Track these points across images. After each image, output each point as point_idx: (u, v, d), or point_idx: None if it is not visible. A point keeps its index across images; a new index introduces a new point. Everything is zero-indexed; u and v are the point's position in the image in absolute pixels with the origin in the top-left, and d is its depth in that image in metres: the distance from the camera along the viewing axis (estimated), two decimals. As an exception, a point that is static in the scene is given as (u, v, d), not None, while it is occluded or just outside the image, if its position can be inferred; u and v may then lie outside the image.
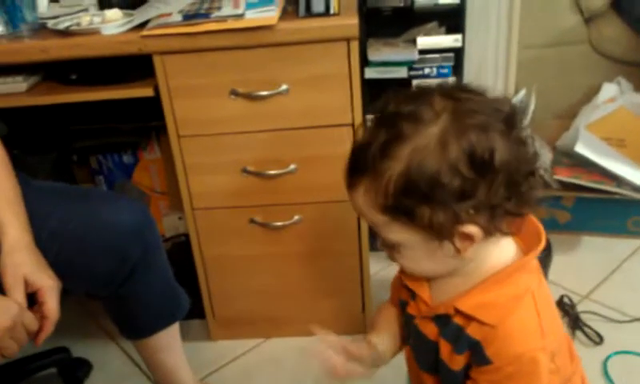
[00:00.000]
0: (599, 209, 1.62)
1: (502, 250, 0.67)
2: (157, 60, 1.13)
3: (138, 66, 1.18)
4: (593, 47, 1.65)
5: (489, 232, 0.61)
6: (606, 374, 1.26)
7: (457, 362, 0.66)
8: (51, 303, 0.81)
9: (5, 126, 1.28)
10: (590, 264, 1.60)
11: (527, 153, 0.61)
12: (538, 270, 0.68)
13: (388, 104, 0.62)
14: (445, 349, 0.67)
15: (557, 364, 0.66)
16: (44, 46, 1.12)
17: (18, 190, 0.89)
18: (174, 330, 1.13)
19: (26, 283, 0.80)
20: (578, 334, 1.37)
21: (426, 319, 0.70)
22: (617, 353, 1.31)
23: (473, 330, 0.64)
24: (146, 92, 1.16)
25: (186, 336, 1.15)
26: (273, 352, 1.43)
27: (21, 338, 0.78)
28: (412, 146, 0.58)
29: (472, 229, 0.60)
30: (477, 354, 0.64)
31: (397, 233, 0.63)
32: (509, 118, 0.60)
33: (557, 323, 0.67)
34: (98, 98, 1.16)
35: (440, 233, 0.60)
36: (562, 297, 1.46)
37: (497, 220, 0.61)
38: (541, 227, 0.67)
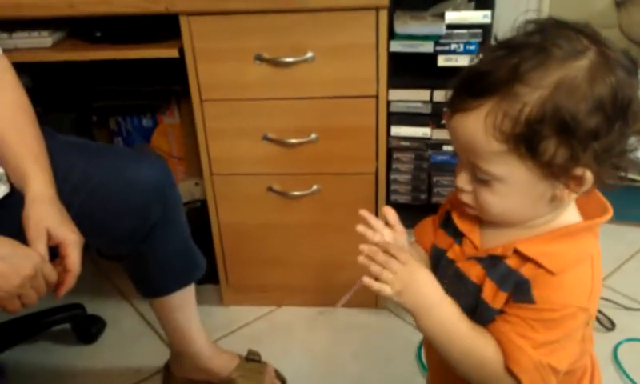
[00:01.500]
0: (617, 196, 1.60)
1: (570, 211, 0.66)
2: (183, 21, 1.12)
3: (163, 27, 1.17)
4: (622, 32, 1.62)
5: (598, 180, 0.60)
6: (616, 359, 1.26)
7: (499, 300, 0.66)
8: (73, 257, 0.81)
9: (29, 80, 1.28)
10: (605, 251, 1.55)
11: None
12: (598, 238, 0.68)
13: (514, 38, 0.60)
14: (489, 288, 0.67)
15: (586, 334, 0.66)
16: (71, 2, 1.12)
17: (43, 144, 0.89)
18: (190, 290, 1.14)
19: (49, 236, 0.80)
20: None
21: (472, 261, 0.69)
22: (628, 340, 1.31)
23: (526, 271, 0.64)
24: (171, 53, 1.15)
25: (199, 300, 1.16)
26: (284, 320, 1.44)
27: (40, 289, 0.78)
28: (560, 75, 0.57)
29: (586, 173, 0.59)
30: (521, 292, 0.64)
31: (505, 165, 0.60)
32: (636, 65, 0.60)
33: (599, 295, 0.67)
34: (123, 57, 1.15)
35: (555, 171, 0.59)
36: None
37: (607, 170, 0.60)
38: (606, 201, 0.67)
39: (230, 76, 1.18)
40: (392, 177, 1.43)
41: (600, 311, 1.37)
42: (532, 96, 0.57)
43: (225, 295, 1.47)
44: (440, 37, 1.28)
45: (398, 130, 1.38)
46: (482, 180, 0.63)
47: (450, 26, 1.28)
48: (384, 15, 1.10)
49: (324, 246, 1.37)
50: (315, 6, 1.09)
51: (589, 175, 0.59)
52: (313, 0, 1.08)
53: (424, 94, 1.34)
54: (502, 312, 0.66)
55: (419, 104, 1.35)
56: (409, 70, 1.35)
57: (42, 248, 0.79)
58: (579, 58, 0.57)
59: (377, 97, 1.18)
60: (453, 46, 1.30)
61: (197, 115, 1.23)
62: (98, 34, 1.18)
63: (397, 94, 1.34)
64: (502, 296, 0.65)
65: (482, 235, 0.70)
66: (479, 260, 0.69)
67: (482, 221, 0.70)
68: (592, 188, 0.62)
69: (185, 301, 1.13)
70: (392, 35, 1.28)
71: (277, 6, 1.08)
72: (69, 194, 0.89)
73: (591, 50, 0.58)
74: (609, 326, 1.35)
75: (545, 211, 0.64)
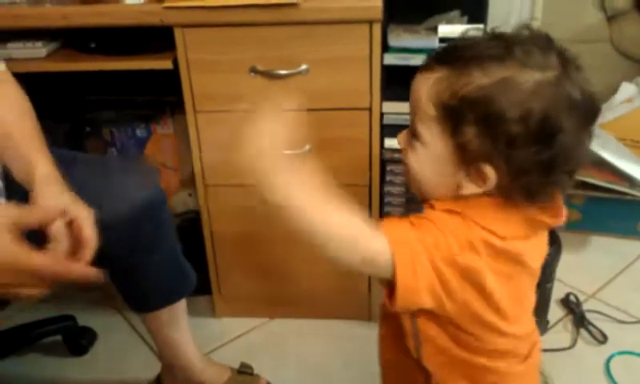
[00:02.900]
0: (610, 209, 1.62)
1: None
2: (177, 33, 1.13)
3: (157, 38, 1.18)
4: (614, 46, 1.64)
5: (500, 190, 0.63)
6: (608, 373, 1.26)
7: None
8: (89, 231, 0.79)
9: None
10: (598, 263, 1.60)
11: (583, 153, 0.62)
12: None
13: (501, 32, 0.63)
14: None
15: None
16: (65, 13, 1.12)
17: (42, 135, 0.90)
18: (181, 305, 1.13)
19: (63, 213, 0.79)
20: (583, 332, 1.38)
21: None
22: (620, 353, 1.31)
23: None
24: (165, 64, 1.15)
25: (190, 311, 1.16)
26: (277, 332, 1.44)
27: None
28: (509, 74, 0.59)
29: (491, 173, 0.61)
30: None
31: (430, 131, 0.64)
32: (592, 114, 0.62)
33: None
34: (117, 68, 1.15)
35: (466, 157, 0.62)
36: (567, 294, 1.46)
37: (515, 186, 0.62)
38: (562, 212, 0.66)
39: (223, 87, 1.18)
40: (385, 189, 1.43)
41: (592, 324, 1.38)
42: (478, 80, 0.59)
43: (217, 306, 1.46)
44: (433, 50, 1.29)
45: (391, 143, 1.38)
46: (413, 136, 0.66)
47: (443, 40, 1.29)
48: (377, 28, 1.11)
49: (316, 257, 1.36)
50: (309, 19, 1.10)
51: (492, 175, 0.62)
52: (307, 13, 1.08)
53: (417, 107, 1.34)
54: None
55: (413, 116, 1.36)
56: (402, 82, 1.36)
57: (58, 225, 0.77)
58: (536, 70, 0.59)
59: (370, 109, 1.19)
60: (446, 60, 1.31)
61: (190, 126, 1.23)
62: (93, 45, 1.18)
63: (390, 107, 1.34)
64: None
65: None
66: None
67: None
68: (496, 195, 0.63)
69: (175, 315, 1.13)
70: (386, 48, 1.29)
71: (270, 18, 1.09)
72: None
73: (553, 72, 0.59)
74: (601, 339, 1.35)
75: (446, 194, 0.66)
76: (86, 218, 0.80)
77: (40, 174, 0.83)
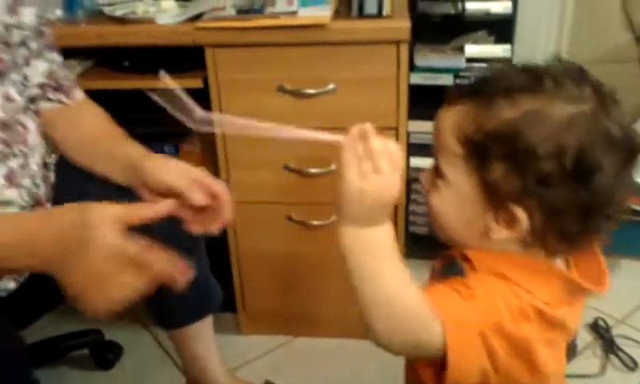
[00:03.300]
0: (637, 233, 1.58)
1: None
2: (208, 52, 1.15)
3: (187, 57, 1.20)
4: (642, 66, 1.62)
5: (534, 235, 0.57)
6: (640, 399, 1.23)
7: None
8: (218, 183, 0.81)
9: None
10: (628, 288, 1.56)
11: (624, 195, 0.58)
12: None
13: (548, 65, 0.59)
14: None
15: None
16: (100, 32, 1.15)
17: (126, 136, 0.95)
18: (207, 321, 1.14)
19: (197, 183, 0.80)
20: (612, 358, 1.34)
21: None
22: (651, 379, 1.28)
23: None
24: (196, 83, 1.17)
25: (215, 328, 1.16)
26: (301, 350, 1.43)
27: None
28: (539, 106, 0.55)
29: (522, 215, 0.56)
30: (452, 271, 0.62)
31: (456, 170, 0.59)
32: (633, 152, 0.57)
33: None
34: (150, 86, 1.16)
35: (494, 197, 0.57)
36: (596, 319, 1.43)
37: (550, 230, 0.57)
38: (605, 275, 0.61)
39: (252, 106, 1.20)
40: (410, 208, 1.43)
41: (622, 350, 1.35)
42: (505, 113, 0.55)
43: (242, 324, 1.47)
44: (460, 70, 1.30)
45: (416, 162, 1.38)
46: (436, 182, 0.62)
47: (470, 60, 1.30)
48: (405, 49, 1.11)
49: (342, 276, 1.36)
50: (336, 40, 1.11)
51: (523, 219, 0.56)
52: (334, 34, 1.10)
53: (443, 127, 1.34)
54: None
55: (438, 136, 1.36)
56: (428, 101, 1.36)
57: (181, 178, 0.79)
58: (569, 103, 0.55)
59: (397, 128, 1.19)
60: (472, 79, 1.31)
61: (219, 144, 1.25)
62: (126, 64, 1.21)
63: (416, 126, 1.35)
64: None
65: None
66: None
67: None
68: (535, 245, 0.58)
69: (202, 331, 1.13)
70: (412, 67, 1.30)
71: (299, 39, 1.11)
72: None
73: (587, 105, 0.55)
74: (631, 365, 1.32)
75: (473, 239, 0.61)
76: (211, 178, 0.81)
77: (142, 152, 0.87)
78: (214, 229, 0.82)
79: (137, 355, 1.43)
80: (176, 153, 1.59)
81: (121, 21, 1.17)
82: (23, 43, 0.88)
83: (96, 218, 0.63)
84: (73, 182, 0.93)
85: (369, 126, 0.60)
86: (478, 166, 0.57)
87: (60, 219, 0.66)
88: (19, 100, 0.88)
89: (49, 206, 0.91)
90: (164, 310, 1.10)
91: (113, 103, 1.48)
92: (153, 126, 1.56)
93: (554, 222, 0.57)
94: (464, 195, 0.59)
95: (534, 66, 0.59)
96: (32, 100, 0.92)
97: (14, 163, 0.85)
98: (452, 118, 0.59)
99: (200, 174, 0.82)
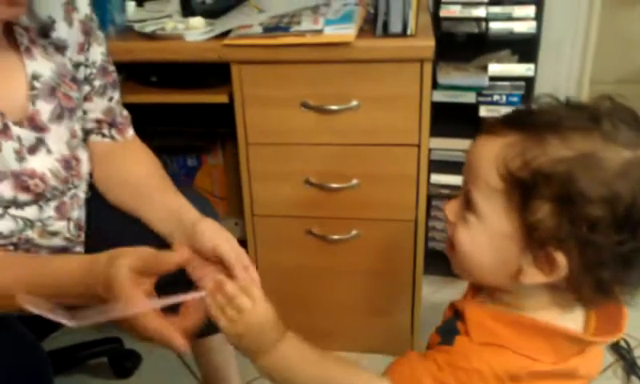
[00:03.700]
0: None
1: (552, 312, 0.59)
2: (234, 68, 1.17)
3: (213, 73, 1.23)
4: (667, 87, 1.61)
5: (569, 283, 0.54)
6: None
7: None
8: (254, 267, 0.80)
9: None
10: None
11: None
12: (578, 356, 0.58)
13: (599, 104, 0.55)
14: (434, 338, 0.65)
15: None
16: (130, 48, 1.18)
17: (173, 184, 0.93)
18: (228, 332, 1.15)
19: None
20: (634, 379, 1.32)
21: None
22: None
23: (461, 327, 0.61)
24: (221, 98, 1.20)
25: (234, 339, 1.17)
26: (318, 365, 1.43)
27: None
28: (594, 148, 0.52)
29: (562, 261, 0.53)
30: (447, 337, 0.61)
31: (492, 204, 0.56)
32: None
33: None
34: (177, 101, 1.20)
35: (534, 239, 0.54)
36: (618, 340, 1.41)
37: (587, 277, 0.54)
38: (622, 321, 0.59)
39: (276, 121, 1.21)
40: (430, 224, 1.43)
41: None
42: (556, 151, 0.52)
43: (260, 336, 1.47)
44: (483, 88, 1.30)
45: (437, 178, 1.39)
46: (465, 216, 0.58)
47: (493, 78, 1.30)
48: (428, 67, 1.12)
49: (361, 291, 1.37)
50: (361, 58, 1.12)
51: (563, 264, 0.53)
52: (358, 52, 1.11)
53: (465, 144, 1.35)
54: None
55: (460, 153, 1.37)
56: (450, 118, 1.37)
57: (233, 251, 0.78)
58: (625, 148, 0.52)
59: (419, 146, 1.20)
60: (495, 98, 1.32)
61: (242, 158, 1.27)
62: (154, 79, 1.24)
63: (438, 143, 1.36)
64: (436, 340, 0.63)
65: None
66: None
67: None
68: (567, 293, 0.56)
69: (222, 342, 1.14)
70: (435, 85, 1.30)
71: (324, 57, 1.12)
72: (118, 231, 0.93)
73: None
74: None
75: (503, 282, 0.58)
76: (249, 260, 0.80)
77: (194, 213, 0.84)
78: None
79: (155, 364, 1.44)
80: (199, 165, 1.62)
81: (150, 37, 1.20)
82: (87, 80, 0.91)
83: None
84: (106, 218, 0.93)
85: (221, 277, 0.64)
86: (520, 204, 0.54)
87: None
88: (80, 135, 0.90)
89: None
90: (185, 320, 1.11)
91: (139, 116, 1.53)
92: (177, 139, 1.60)
93: (592, 270, 0.54)
94: (499, 233, 0.56)
95: (584, 104, 0.56)
96: (87, 132, 0.94)
97: (66, 197, 0.87)
98: (493, 148, 0.55)
99: (243, 251, 0.81)
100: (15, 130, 0.79)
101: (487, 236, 0.57)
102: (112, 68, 0.96)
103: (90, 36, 0.90)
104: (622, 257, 0.53)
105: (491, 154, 0.55)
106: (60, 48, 0.86)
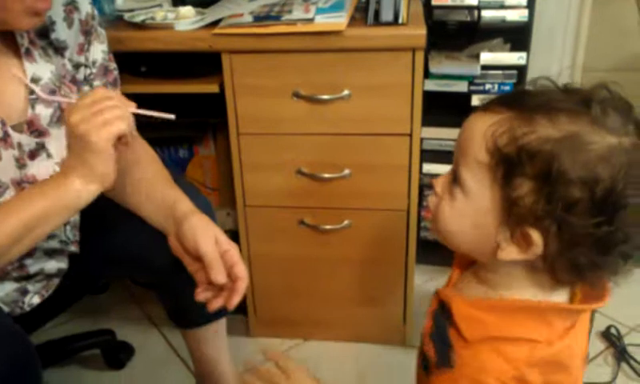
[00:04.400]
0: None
1: (539, 288, 0.60)
2: (225, 58, 1.16)
3: (203, 63, 1.21)
4: (659, 75, 1.61)
5: (544, 261, 0.56)
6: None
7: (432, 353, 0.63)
8: (241, 264, 0.81)
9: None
10: (640, 296, 1.55)
11: None
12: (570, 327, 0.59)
13: (594, 91, 0.56)
14: (430, 349, 0.64)
15: None
16: (120, 38, 1.16)
17: (169, 176, 0.94)
18: (221, 323, 1.15)
19: (216, 242, 0.81)
20: (624, 366, 1.34)
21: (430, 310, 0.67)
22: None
23: (452, 332, 0.61)
24: (212, 88, 1.19)
25: (226, 330, 1.17)
26: (310, 354, 1.44)
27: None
28: (580, 131, 0.53)
29: (538, 239, 0.54)
30: (442, 358, 0.61)
31: (476, 178, 0.57)
32: None
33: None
34: (166, 91, 1.19)
35: (513, 215, 0.55)
36: (608, 327, 1.43)
37: (561, 259, 0.55)
38: (606, 290, 0.60)
39: (267, 111, 1.21)
40: (422, 214, 1.43)
41: (633, 358, 1.35)
42: (543, 130, 0.53)
43: (252, 326, 1.48)
44: (475, 77, 1.30)
45: (429, 168, 1.39)
46: (452, 190, 0.60)
47: (485, 67, 1.30)
48: (420, 56, 1.12)
49: (353, 280, 1.37)
50: (352, 46, 1.12)
51: (538, 242, 0.55)
52: (350, 41, 1.11)
53: (457, 133, 1.34)
54: None
55: (451, 142, 1.36)
56: (441, 108, 1.37)
57: (215, 251, 0.79)
58: (611, 134, 0.53)
59: (411, 135, 1.19)
60: (487, 86, 1.32)
61: (233, 148, 1.26)
62: (144, 69, 1.23)
63: (429, 132, 1.36)
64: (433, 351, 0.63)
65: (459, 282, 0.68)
66: (434, 311, 0.66)
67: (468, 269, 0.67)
68: (543, 268, 0.57)
69: (215, 333, 1.14)
70: (427, 74, 1.30)
71: (315, 45, 1.11)
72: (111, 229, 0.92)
73: (628, 140, 0.53)
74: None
75: (484, 254, 0.60)
76: (237, 251, 0.82)
77: (186, 208, 0.85)
78: (217, 305, 0.83)
79: (148, 356, 1.44)
80: (191, 156, 1.61)
81: (140, 27, 1.19)
82: (86, 80, 0.90)
83: None
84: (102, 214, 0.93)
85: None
86: (503, 180, 0.55)
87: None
88: None
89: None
90: (179, 310, 1.11)
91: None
92: (169, 130, 1.59)
93: (568, 252, 0.55)
94: (480, 207, 0.58)
95: (579, 89, 0.57)
96: None
97: None
98: (484, 123, 0.57)
99: (233, 249, 0.82)
100: (15, 136, 0.79)
101: (469, 209, 0.59)
102: (113, 66, 0.95)
103: (91, 35, 0.89)
104: (597, 240, 0.54)
105: (482, 129, 0.57)
106: (59, 49, 0.86)
